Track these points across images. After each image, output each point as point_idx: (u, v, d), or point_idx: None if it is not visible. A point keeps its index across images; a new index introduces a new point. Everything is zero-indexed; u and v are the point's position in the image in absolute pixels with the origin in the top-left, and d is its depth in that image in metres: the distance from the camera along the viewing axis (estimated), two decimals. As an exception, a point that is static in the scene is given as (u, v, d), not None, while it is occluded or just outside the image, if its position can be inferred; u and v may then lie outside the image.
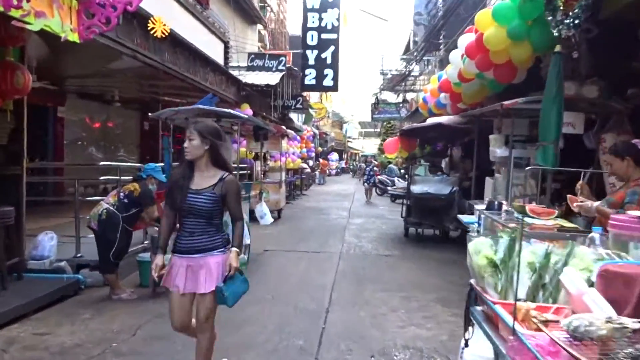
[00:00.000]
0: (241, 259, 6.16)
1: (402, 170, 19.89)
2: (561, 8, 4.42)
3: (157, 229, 5.04)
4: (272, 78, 14.06)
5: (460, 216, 6.59)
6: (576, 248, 2.03)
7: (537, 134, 5.33)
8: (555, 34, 4.52)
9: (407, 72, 22.40)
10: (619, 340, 1.38)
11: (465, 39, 6.90)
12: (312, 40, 17.81)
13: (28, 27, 3.54)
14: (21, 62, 5.08)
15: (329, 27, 17.88)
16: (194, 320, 2.98)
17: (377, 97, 27.63)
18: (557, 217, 4.09)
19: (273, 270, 6.79)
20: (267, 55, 15.71)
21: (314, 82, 17.82)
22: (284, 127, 14.77)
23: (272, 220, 9.83)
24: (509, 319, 1.67)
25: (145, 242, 6.60)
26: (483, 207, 5.49)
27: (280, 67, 14.81)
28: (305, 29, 17.90)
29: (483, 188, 7.22)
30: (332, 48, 17.82)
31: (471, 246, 2.20)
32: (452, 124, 8.77)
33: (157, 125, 12.56)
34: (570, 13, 4.31)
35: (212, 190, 2.86)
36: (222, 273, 2.85)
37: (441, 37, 15.53)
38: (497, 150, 5.99)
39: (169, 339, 3.87)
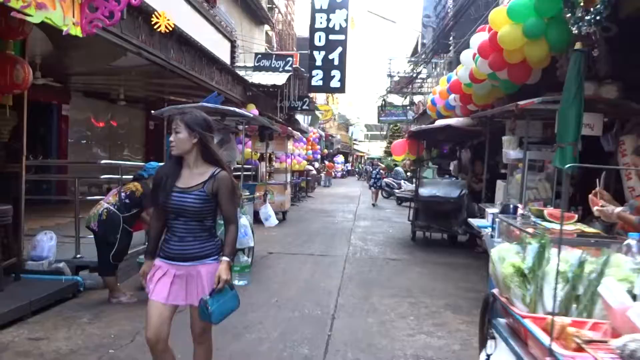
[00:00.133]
0: (245, 261, 6.09)
1: (409, 173, 19.68)
2: (581, 4, 4.23)
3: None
4: (278, 78, 13.96)
5: (471, 220, 6.39)
6: (612, 256, 1.85)
7: (551, 135, 5.13)
8: (575, 32, 4.33)
9: (414, 75, 22.23)
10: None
11: (478, 38, 6.69)
12: (319, 41, 17.66)
13: (28, 19, 3.40)
14: (22, 57, 4.96)
15: (337, 28, 17.71)
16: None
17: (384, 100, 27.52)
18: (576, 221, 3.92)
19: (277, 273, 6.62)
20: (274, 56, 15.59)
21: (321, 83, 17.69)
22: (289, 127, 14.64)
23: (276, 222, 9.66)
24: (543, 337, 1.48)
25: (146, 243, 6.44)
26: (495, 210, 5.30)
27: (287, 68, 14.70)
28: (313, 30, 17.74)
29: (494, 191, 7.02)
30: (339, 49, 17.66)
31: (495, 253, 2.01)
32: (462, 126, 8.60)
33: (163, 125, 12.42)
34: (592, 9, 4.12)
35: (202, 188, 2.57)
36: (210, 285, 2.55)
37: (451, 39, 15.35)
38: (511, 152, 5.79)
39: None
